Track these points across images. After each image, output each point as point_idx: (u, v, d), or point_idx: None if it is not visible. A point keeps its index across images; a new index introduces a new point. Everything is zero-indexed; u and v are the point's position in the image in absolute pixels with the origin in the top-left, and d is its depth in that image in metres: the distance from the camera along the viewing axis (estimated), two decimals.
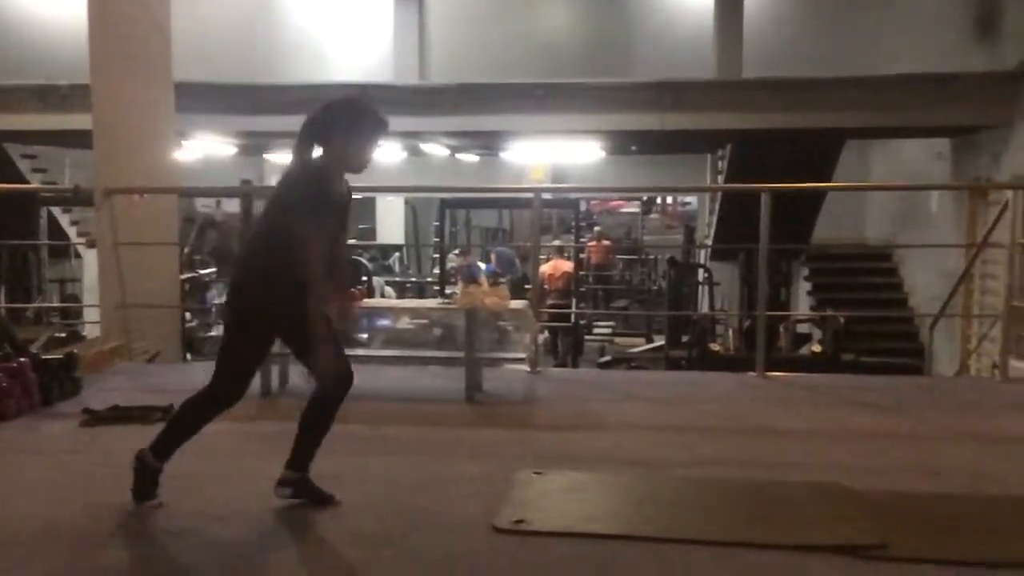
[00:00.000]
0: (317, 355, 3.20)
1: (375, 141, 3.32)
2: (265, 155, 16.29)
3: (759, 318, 6.09)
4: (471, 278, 6.05)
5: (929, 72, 11.17)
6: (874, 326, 12.39)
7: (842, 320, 10.01)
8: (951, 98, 10.73)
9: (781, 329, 10.76)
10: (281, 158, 16.17)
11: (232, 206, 17.09)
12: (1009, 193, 6.19)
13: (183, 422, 3.34)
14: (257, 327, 3.27)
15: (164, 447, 3.30)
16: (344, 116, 3.28)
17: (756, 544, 2.97)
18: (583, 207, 21.92)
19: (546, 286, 13.13)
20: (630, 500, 3.49)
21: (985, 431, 4.57)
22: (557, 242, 16.36)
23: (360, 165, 3.32)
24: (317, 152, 3.27)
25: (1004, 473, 3.83)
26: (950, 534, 3.07)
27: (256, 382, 5.08)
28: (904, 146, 13.58)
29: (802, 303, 14.12)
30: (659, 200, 25.59)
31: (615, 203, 26.35)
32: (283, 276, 3.14)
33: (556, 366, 11.58)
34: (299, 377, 5.27)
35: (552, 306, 12.88)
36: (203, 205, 18.11)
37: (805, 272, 14.21)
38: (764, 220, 5.64)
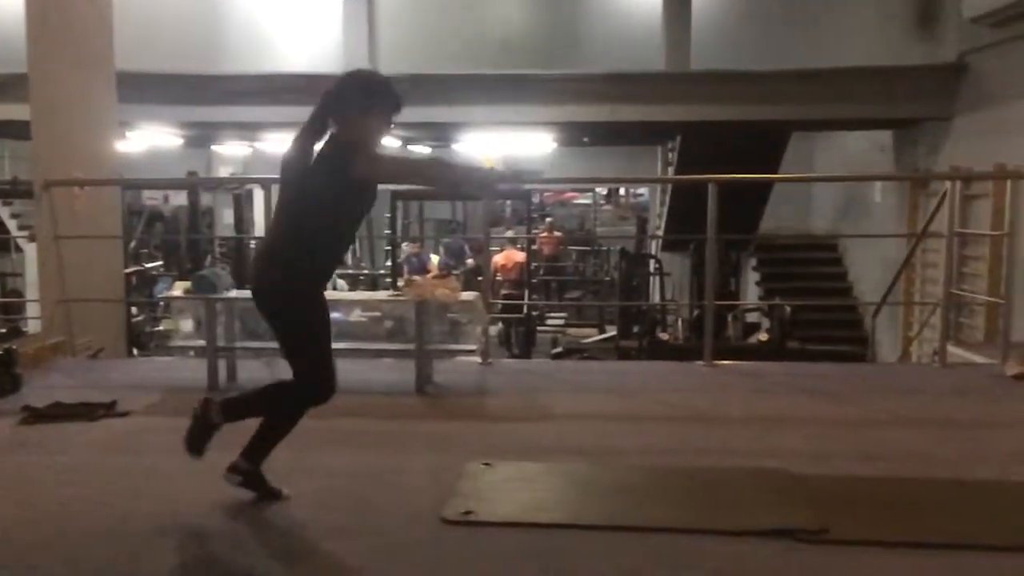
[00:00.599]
0: (302, 358, 3.18)
1: (391, 120, 3.20)
2: (212, 146, 16.01)
3: (707, 308, 6.17)
4: (420, 268, 6.07)
5: (872, 65, 11.39)
6: (819, 314, 12.62)
7: (788, 309, 10.19)
8: (893, 91, 10.95)
9: (729, 318, 10.94)
10: (228, 150, 15.95)
11: (180, 198, 16.83)
12: (947, 184, 6.36)
13: (265, 396, 3.27)
14: (304, 303, 3.16)
15: (235, 409, 3.24)
16: (361, 92, 3.15)
17: (700, 530, 3.02)
18: (536, 199, 22.02)
19: (499, 276, 13.19)
20: (578, 489, 3.53)
21: (925, 416, 4.69)
22: (509, 233, 16.42)
23: (375, 144, 3.19)
24: (324, 136, 3.11)
25: (943, 456, 3.95)
26: (890, 517, 3.15)
27: (203, 376, 5.08)
28: (848, 138, 13.84)
29: (751, 293, 14.32)
30: (612, 191, 25.80)
31: (568, 195, 26.50)
32: (305, 267, 3.12)
33: (511, 357, 11.62)
34: (257, 372, 5.24)
35: (506, 296, 12.95)
36: (150, 197, 17.79)
37: (753, 262, 14.42)
38: (712, 211, 5.71)
